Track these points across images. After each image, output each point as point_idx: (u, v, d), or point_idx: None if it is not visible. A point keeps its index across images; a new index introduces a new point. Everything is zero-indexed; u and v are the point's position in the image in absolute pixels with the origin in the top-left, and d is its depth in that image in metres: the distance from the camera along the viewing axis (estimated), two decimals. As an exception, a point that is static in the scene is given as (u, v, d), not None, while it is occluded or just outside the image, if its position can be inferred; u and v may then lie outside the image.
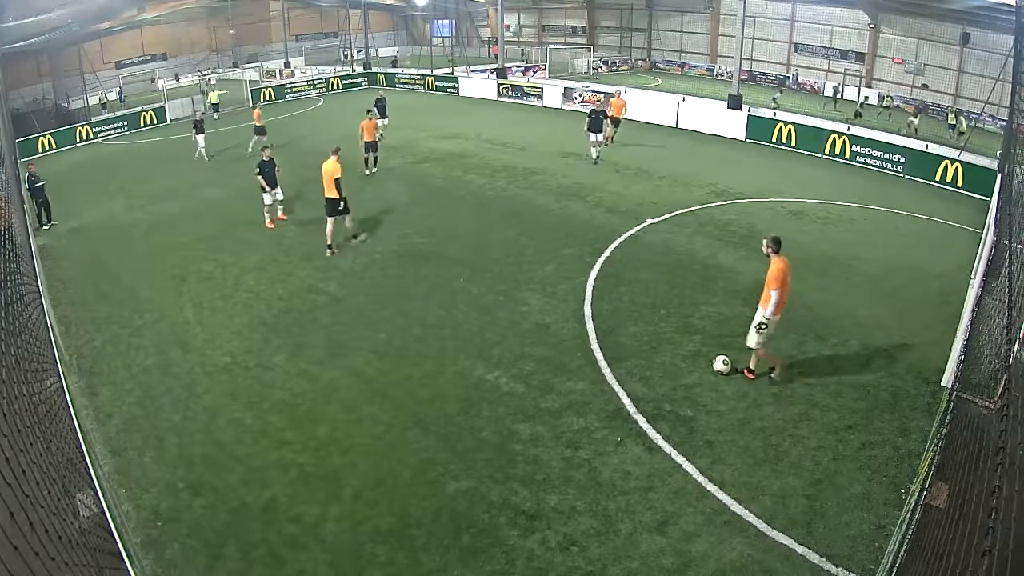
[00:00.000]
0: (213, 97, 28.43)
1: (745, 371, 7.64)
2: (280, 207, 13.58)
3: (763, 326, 7.18)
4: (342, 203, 11.42)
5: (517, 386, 7.58)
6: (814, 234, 12.32)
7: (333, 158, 11.41)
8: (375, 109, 19.61)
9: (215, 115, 27.34)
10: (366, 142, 16.65)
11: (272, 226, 13.23)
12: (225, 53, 46.21)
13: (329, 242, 11.58)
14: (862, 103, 30.50)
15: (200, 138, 19.57)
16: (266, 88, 32.70)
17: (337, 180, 11.23)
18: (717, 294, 9.78)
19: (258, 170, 12.88)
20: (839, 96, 33.37)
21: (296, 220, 13.63)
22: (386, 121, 20.43)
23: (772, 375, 7.58)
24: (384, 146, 19.95)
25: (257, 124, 19.60)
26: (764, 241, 7.27)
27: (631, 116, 23.76)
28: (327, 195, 11.35)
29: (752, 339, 7.36)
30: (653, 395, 7.32)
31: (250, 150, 19.47)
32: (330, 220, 11.49)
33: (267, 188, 12.99)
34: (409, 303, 9.74)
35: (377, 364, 8.14)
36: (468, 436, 6.74)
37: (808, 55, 40.08)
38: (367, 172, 16.89)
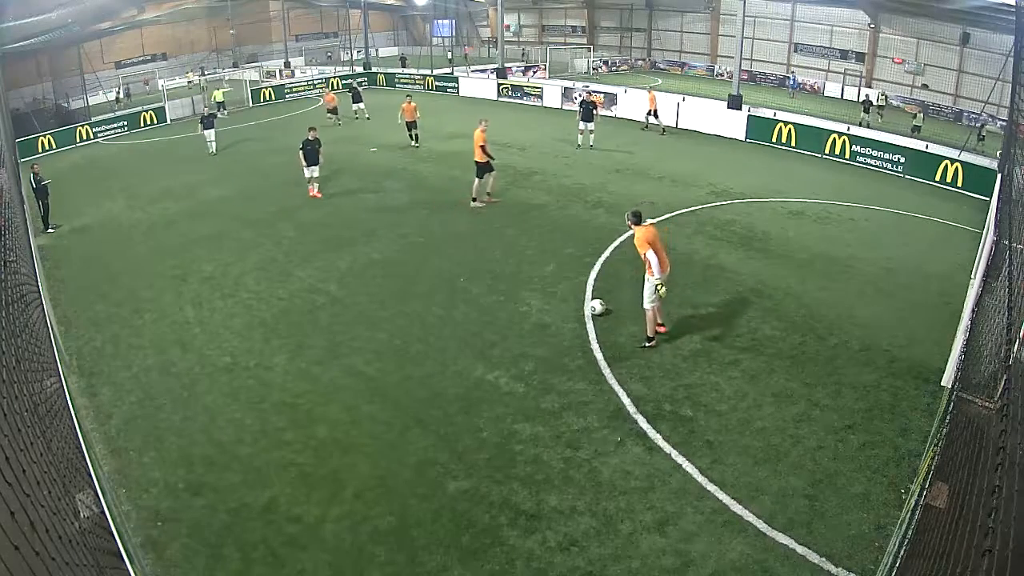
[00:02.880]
0: (218, 95, 28.56)
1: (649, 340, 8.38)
2: (316, 184, 15.10)
3: (659, 287, 7.89)
4: (489, 164, 13.54)
5: (517, 386, 7.58)
6: (814, 234, 12.32)
7: (480, 127, 13.46)
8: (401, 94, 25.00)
9: (220, 113, 27.53)
10: (407, 121, 19.67)
11: (319, 195, 15.04)
12: (225, 53, 46.21)
13: (474, 196, 13.87)
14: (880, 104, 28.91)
15: (208, 132, 20.36)
16: (266, 88, 32.71)
17: (482, 146, 13.26)
18: (717, 294, 9.78)
19: (301, 146, 14.70)
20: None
21: (296, 220, 13.64)
22: (362, 105, 25.40)
23: (648, 343, 8.28)
24: (384, 146, 20.05)
25: (329, 107, 24.91)
26: (626, 215, 8.18)
27: (631, 116, 23.84)
28: (475, 159, 13.47)
29: (646, 300, 8.11)
30: (653, 395, 7.32)
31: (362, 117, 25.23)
32: (478, 179, 13.72)
33: (304, 164, 14.73)
34: (409, 303, 9.74)
35: (377, 364, 8.14)
36: (468, 436, 6.74)
37: (808, 55, 40.06)
38: (413, 144, 19.81)
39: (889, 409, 6.99)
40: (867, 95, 30.68)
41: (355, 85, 27.48)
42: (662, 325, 8.55)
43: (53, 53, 30.32)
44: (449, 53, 44.39)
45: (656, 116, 21.82)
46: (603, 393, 7.40)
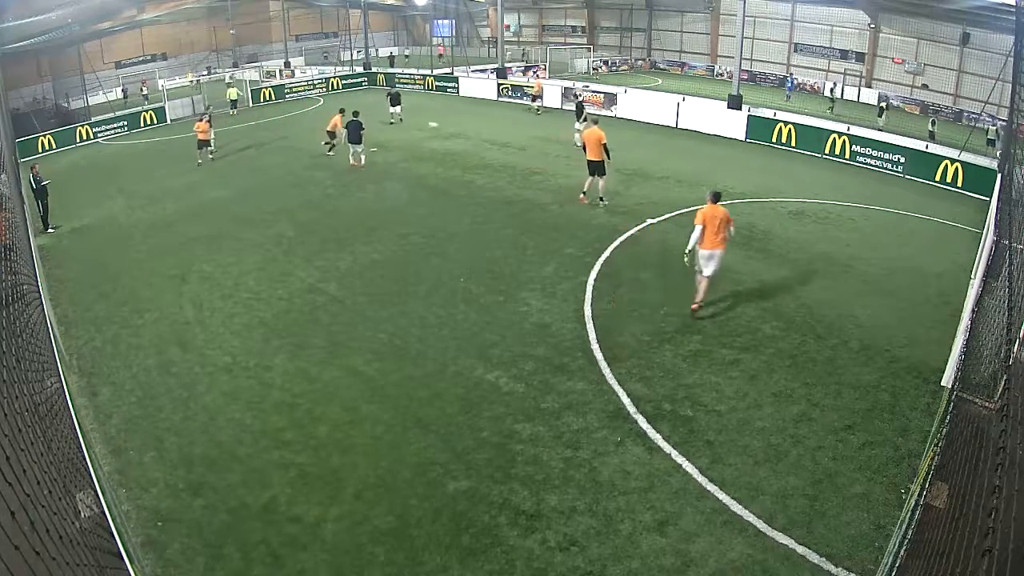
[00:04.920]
0: (232, 94, 28.78)
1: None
2: (362, 156, 17.68)
3: (686, 255, 8.85)
4: (604, 165, 13.50)
5: (517, 386, 7.58)
6: (814, 234, 12.32)
7: (596, 127, 13.60)
8: (389, 98, 24.89)
9: (232, 111, 27.70)
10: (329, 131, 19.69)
11: (355, 164, 17.57)
12: (225, 53, 46.22)
13: (586, 190, 13.95)
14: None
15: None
16: (266, 88, 32.72)
17: (604, 144, 13.25)
18: (717, 294, 9.76)
19: (346, 130, 17.38)
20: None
21: (296, 220, 13.64)
22: (399, 108, 24.59)
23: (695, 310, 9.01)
24: (385, 145, 20.05)
25: (201, 138, 19.10)
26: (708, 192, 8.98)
27: (632, 116, 23.91)
28: (589, 157, 13.43)
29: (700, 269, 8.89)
30: (653, 395, 7.32)
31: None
32: (591, 177, 13.71)
33: (351, 143, 17.37)
34: (409, 303, 9.74)
35: (377, 364, 8.14)
36: (468, 436, 6.74)
37: (808, 55, 40.07)
38: (329, 153, 19.34)
39: (889, 409, 7.00)
40: (883, 96, 31.60)
41: (393, 91, 26.53)
42: (696, 304, 9.03)
43: (53, 53, 30.32)
44: (407, 51, 43.93)
45: (536, 99, 27.00)
46: (603, 393, 7.40)
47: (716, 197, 8.83)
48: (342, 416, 7.13)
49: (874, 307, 9.34)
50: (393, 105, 24.42)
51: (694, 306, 8.99)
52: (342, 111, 19.36)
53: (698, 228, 8.68)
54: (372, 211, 14.12)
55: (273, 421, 7.08)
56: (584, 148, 13.59)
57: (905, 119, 29.28)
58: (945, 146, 17.48)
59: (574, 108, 20.74)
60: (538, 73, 38.54)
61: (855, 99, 36.14)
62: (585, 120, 19.46)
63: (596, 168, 13.56)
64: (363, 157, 17.64)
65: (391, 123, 23.85)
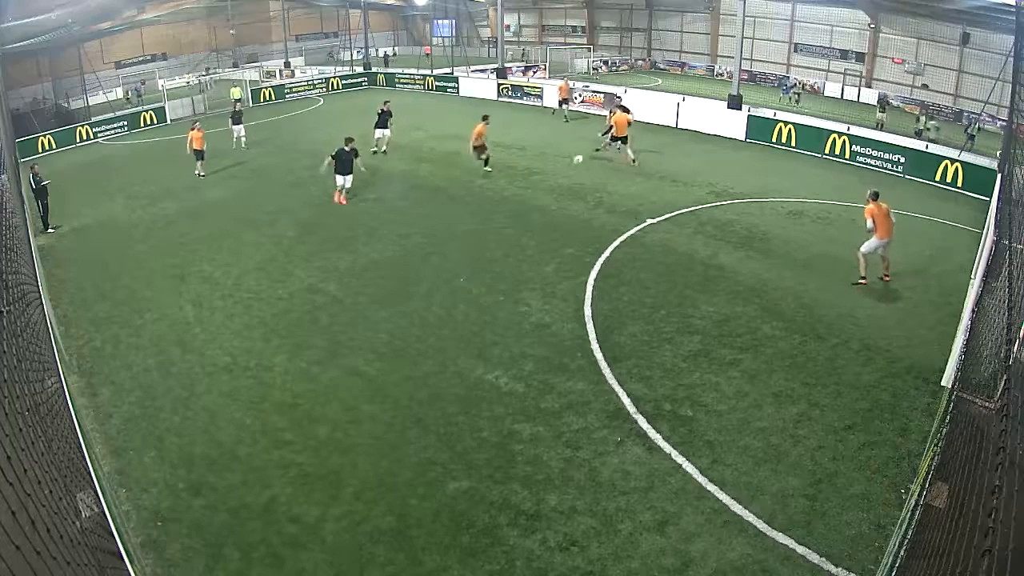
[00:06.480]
0: (236, 92, 28.88)
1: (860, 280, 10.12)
2: (344, 192, 14.66)
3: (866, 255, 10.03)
4: (628, 138, 17.28)
5: (517, 386, 7.58)
6: (814, 234, 12.32)
7: (622, 112, 17.43)
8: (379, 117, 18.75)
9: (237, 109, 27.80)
10: (475, 147, 16.45)
11: (344, 202, 14.59)
12: (225, 53, 46.18)
13: (633, 158, 17.15)
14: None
15: (237, 128, 20.79)
16: (266, 88, 32.71)
17: (629, 123, 17.22)
18: (717, 294, 9.78)
19: (333, 155, 14.17)
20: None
21: (296, 220, 13.64)
22: (387, 132, 18.92)
23: (860, 280, 10.06)
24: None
25: (197, 147, 17.39)
26: (868, 192, 10.11)
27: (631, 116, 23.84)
28: (616, 134, 17.29)
29: (863, 247, 10.00)
30: (653, 395, 7.33)
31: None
32: (623, 143, 17.31)
33: (336, 172, 14.38)
34: (409, 303, 9.74)
35: (377, 364, 8.14)
36: (468, 436, 6.74)
37: (808, 55, 40.03)
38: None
39: (889, 409, 7.00)
40: (883, 96, 31.39)
41: (384, 108, 19.08)
42: (864, 278, 10.08)
43: (53, 53, 30.30)
44: (393, 51, 43.01)
45: (564, 104, 24.79)
46: (603, 393, 7.40)
47: (876, 195, 9.94)
48: (342, 416, 7.13)
49: (874, 307, 9.35)
50: (379, 127, 18.69)
51: (862, 280, 10.06)
52: (486, 118, 16.47)
53: (870, 222, 9.83)
54: (372, 211, 14.12)
55: (273, 421, 7.08)
56: (610, 128, 17.31)
57: (904, 119, 29.26)
58: (928, 141, 17.52)
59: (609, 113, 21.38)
60: (538, 72, 38.56)
61: (855, 99, 36.11)
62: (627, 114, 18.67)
63: (622, 139, 17.23)
64: (344, 193, 14.65)
65: (373, 151, 18.46)
